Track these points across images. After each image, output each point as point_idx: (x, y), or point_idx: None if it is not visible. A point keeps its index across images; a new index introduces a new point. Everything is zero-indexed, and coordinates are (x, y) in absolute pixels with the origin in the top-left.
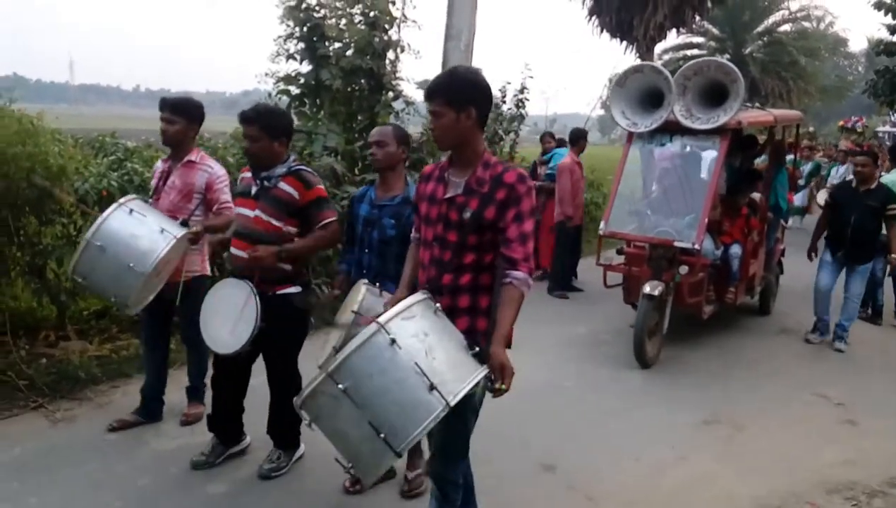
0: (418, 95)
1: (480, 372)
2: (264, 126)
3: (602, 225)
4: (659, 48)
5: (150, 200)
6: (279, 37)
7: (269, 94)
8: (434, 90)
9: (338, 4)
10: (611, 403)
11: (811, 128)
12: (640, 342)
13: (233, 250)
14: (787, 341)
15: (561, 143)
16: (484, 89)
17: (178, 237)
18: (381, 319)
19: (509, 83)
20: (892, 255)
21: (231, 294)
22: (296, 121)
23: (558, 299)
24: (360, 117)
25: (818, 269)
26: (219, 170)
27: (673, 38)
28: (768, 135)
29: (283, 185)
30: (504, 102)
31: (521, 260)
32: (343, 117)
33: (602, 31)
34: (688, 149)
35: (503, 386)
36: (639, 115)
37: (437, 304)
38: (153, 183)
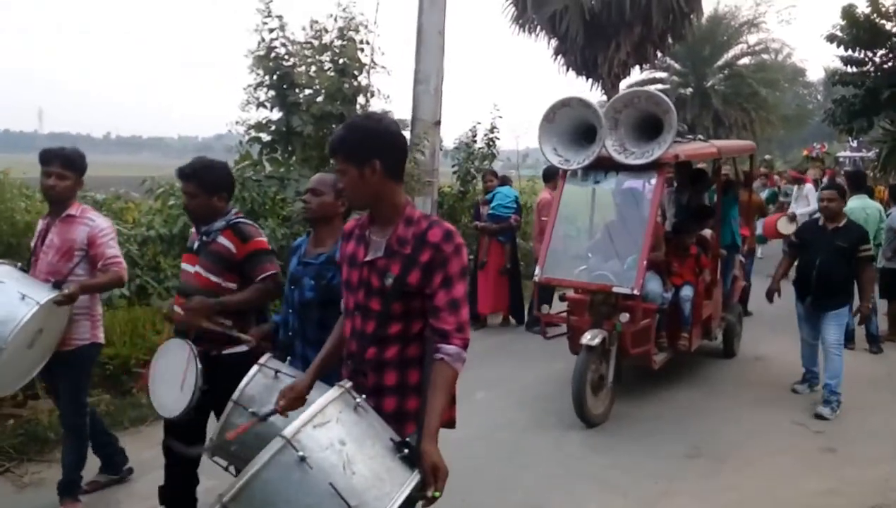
0: None
1: (410, 482)
2: (201, 182)
3: (537, 271)
4: (624, 84)
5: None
6: (249, 85)
7: (241, 142)
8: (333, 147)
9: (307, 53)
10: (594, 439)
11: (767, 156)
12: (580, 398)
13: (175, 308)
14: (763, 367)
15: (504, 181)
16: (387, 137)
17: (42, 303)
18: (288, 431)
19: (479, 123)
20: (864, 303)
21: (174, 355)
22: (268, 168)
23: (537, 335)
24: (332, 161)
25: (798, 321)
26: (102, 223)
27: (637, 74)
28: (714, 168)
29: (220, 239)
30: (475, 141)
31: (452, 332)
32: (316, 162)
33: (568, 70)
34: (623, 186)
35: (436, 493)
36: (571, 152)
37: (359, 399)
38: (32, 243)
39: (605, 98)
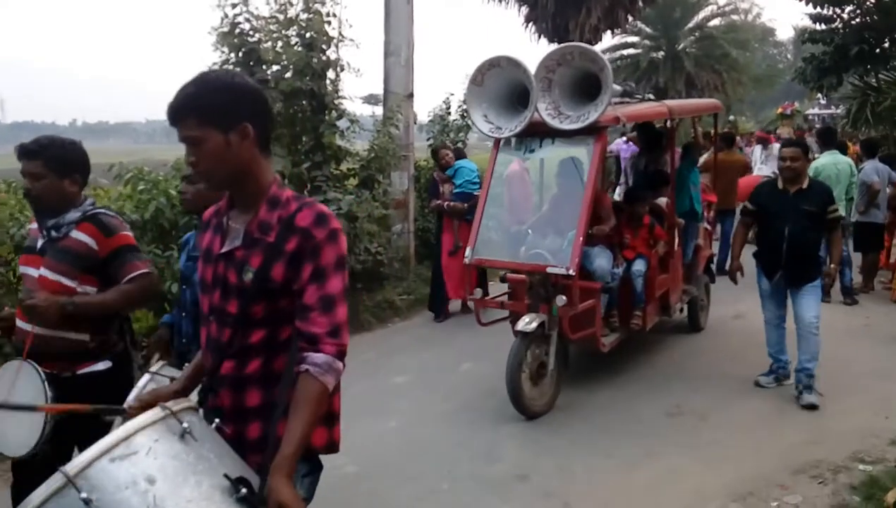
0: (365, 110)
1: None
2: (49, 160)
3: (467, 252)
4: (597, 49)
5: None
6: (214, 63)
7: None
8: (181, 108)
9: (272, 28)
10: (576, 405)
11: (731, 117)
12: (516, 389)
13: (18, 324)
14: (742, 325)
15: (459, 154)
16: (258, 96)
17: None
18: (72, 466)
19: (453, 94)
20: (834, 266)
21: (15, 381)
22: None
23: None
24: (304, 139)
25: (761, 300)
26: None
27: (609, 39)
28: (667, 130)
29: (76, 234)
30: (449, 114)
31: (323, 336)
32: (287, 140)
33: (540, 37)
34: (560, 154)
35: None
36: (504, 118)
37: (186, 424)
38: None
39: None
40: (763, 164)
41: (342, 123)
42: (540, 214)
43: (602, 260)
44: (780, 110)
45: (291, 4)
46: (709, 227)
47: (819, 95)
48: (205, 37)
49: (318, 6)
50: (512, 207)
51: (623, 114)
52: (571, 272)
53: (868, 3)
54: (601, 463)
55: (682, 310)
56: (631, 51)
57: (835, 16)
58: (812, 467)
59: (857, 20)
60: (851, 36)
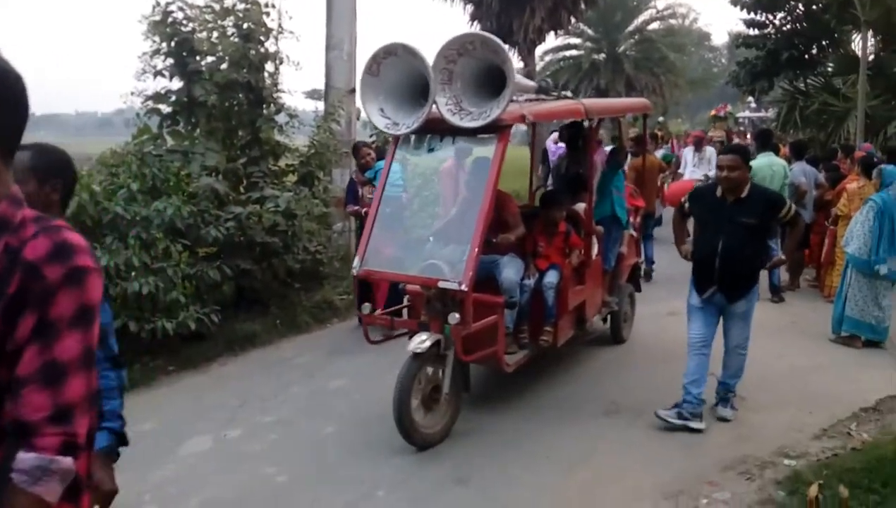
0: (307, 105)
1: None
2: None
3: (355, 262)
4: (540, 50)
5: None
6: (144, 53)
7: (138, 114)
8: None
9: (208, 17)
10: (513, 406)
11: (661, 118)
12: (403, 415)
13: None
14: (675, 322)
15: (382, 154)
16: None
17: None
18: None
19: None
20: (781, 257)
21: None
22: (169, 141)
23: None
24: (241, 133)
25: (688, 316)
26: None
27: (552, 40)
28: (585, 131)
29: None
30: None
31: (41, 423)
32: (222, 134)
33: None
34: (461, 153)
35: None
36: (403, 112)
37: None
38: None
39: (521, 64)
40: (695, 168)
41: (281, 118)
42: (447, 220)
43: (510, 270)
44: (713, 112)
45: None
46: (635, 234)
47: (750, 98)
48: (136, 25)
49: None
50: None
51: (530, 113)
52: (464, 287)
53: (798, 10)
54: (541, 465)
55: (604, 321)
56: (573, 52)
57: (767, 22)
58: (740, 463)
59: (788, 27)
60: (782, 42)
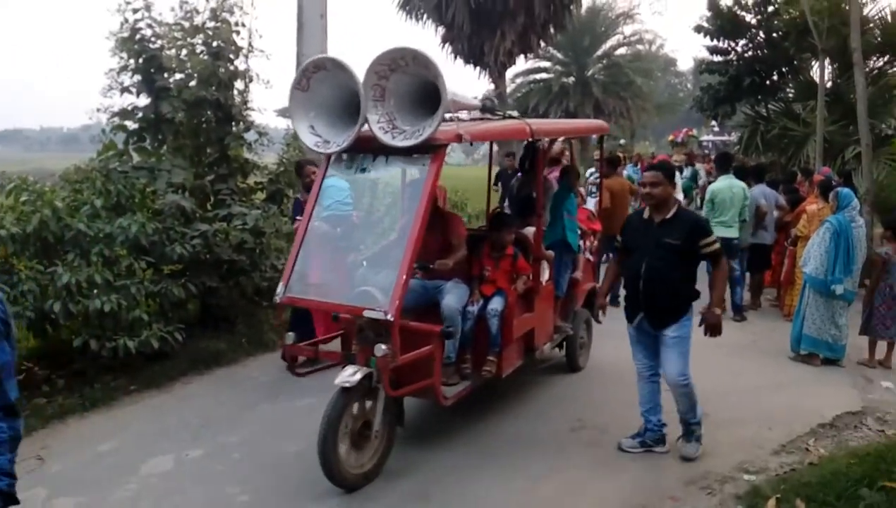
0: (278, 123)
1: None
2: None
3: (279, 288)
4: (510, 73)
5: None
6: (111, 69)
7: (103, 131)
8: None
9: (177, 35)
10: (483, 422)
11: (622, 141)
12: (328, 453)
13: None
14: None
15: None
16: None
17: None
18: None
19: None
20: (711, 308)
21: None
22: (135, 158)
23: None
24: (209, 150)
25: (631, 347)
26: None
27: (522, 63)
28: (531, 153)
29: None
30: None
31: None
32: (189, 151)
33: (456, 58)
34: (394, 174)
35: None
36: (335, 130)
37: None
38: None
39: (492, 87)
40: None
41: (250, 135)
42: (383, 244)
43: (452, 297)
44: (671, 137)
45: (198, 12)
46: (591, 258)
47: (714, 123)
48: (103, 41)
49: (226, 15)
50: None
51: (467, 132)
52: (389, 317)
53: (759, 38)
54: (505, 481)
55: (560, 348)
56: (544, 75)
57: (730, 49)
58: (702, 478)
59: (750, 54)
60: (744, 68)
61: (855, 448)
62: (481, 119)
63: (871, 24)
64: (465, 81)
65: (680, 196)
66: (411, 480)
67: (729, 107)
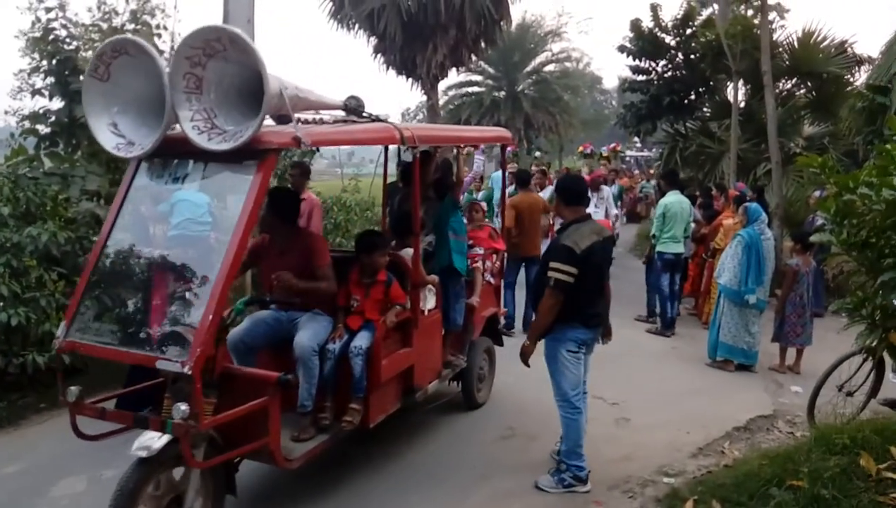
0: None
1: None
2: None
3: (60, 329)
4: (443, 85)
5: None
6: (21, 70)
7: (12, 135)
8: None
9: (94, 36)
10: (410, 434)
11: (538, 154)
12: None
13: None
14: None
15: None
16: None
17: None
18: None
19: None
20: (526, 342)
21: None
22: (47, 164)
23: None
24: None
25: None
26: None
27: (455, 76)
28: (413, 164)
29: None
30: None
31: None
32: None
33: (388, 69)
34: (211, 184)
35: None
36: (145, 130)
37: None
38: None
39: (425, 98)
40: (596, 208)
41: None
42: (158, 275)
43: (306, 333)
44: (580, 149)
45: (117, 14)
46: (492, 281)
47: (636, 139)
48: (12, 40)
49: (146, 17)
50: None
51: (308, 136)
52: (187, 370)
53: (678, 59)
54: (432, 490)
55: (457, 382)
56: (475, 88)
57: (650, 69)
58: (624, 482)
59: (669, 74)
60: (664, 87)
61: (766, 450)
62: (344, 121)
63: (781, 49)
64: (397, 92)
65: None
66: (344, 490)
67: (650, 124)
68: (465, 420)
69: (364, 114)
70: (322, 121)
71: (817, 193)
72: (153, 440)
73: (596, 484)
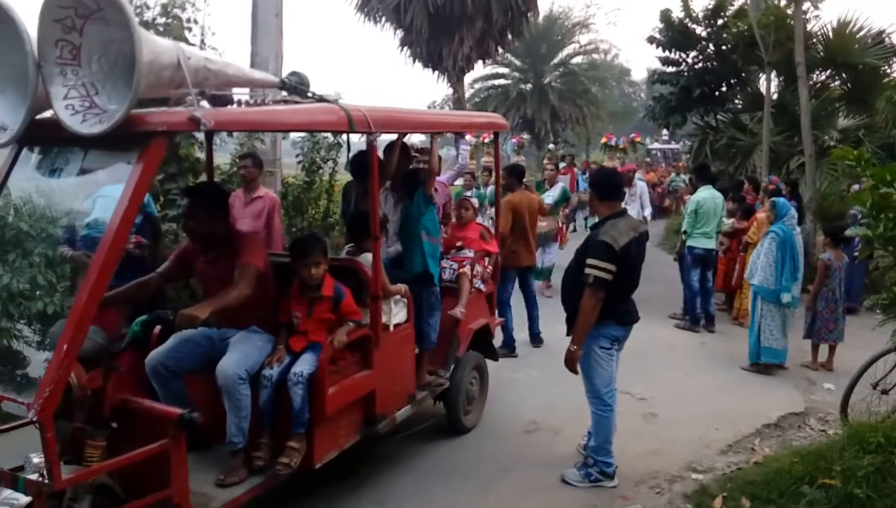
0: None
1: None
2: None
3: None
4: (469, 78)
5: None
6: None
7: None
8: None
9: None
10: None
11: (551, 146)
12: None
13: None
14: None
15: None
16: None
17: None
18: None
19: None
20: (571, 346)
21: None
22: None
23: None
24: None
25: None
26: None
27: (480, 68)
28: (369, 155)
29: None
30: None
31: None
32: None
33: (414, 61)
34: (92, 178)
35: None
36: (17, 109)
37: None
38: None
39: (451, 91)
40: (627, 206)
41: (201, 135)
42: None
43: (233, 357)
44: (604, 140)
45: (148, 7)
46: (483, 288)
47: (665, 131)
48: None
49: (177, 11)
50: None
51: (210, 116)
52: (31, 416)
53: (709, 50)
54: (460, 483)
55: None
56: (501, 81)
57: (681, 60)
58: (651, 477)
59: (700, 65)
60: (694, 79)
61: (798, 448)
62: (283, 101)
63: (815, 39)
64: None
65: (648, 212)
66: (367, 483)
67: (680, 116)
68: (488, 414)
69: (308, 94)
70: (263, 103)
71: (855, 187)
72: (16, 498)
73: (623, 479)
